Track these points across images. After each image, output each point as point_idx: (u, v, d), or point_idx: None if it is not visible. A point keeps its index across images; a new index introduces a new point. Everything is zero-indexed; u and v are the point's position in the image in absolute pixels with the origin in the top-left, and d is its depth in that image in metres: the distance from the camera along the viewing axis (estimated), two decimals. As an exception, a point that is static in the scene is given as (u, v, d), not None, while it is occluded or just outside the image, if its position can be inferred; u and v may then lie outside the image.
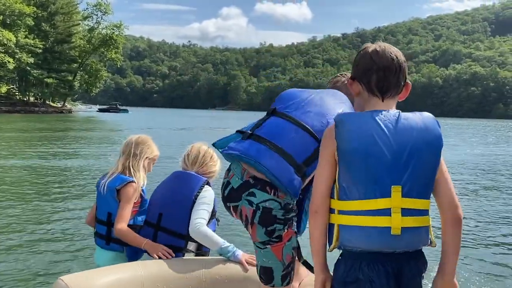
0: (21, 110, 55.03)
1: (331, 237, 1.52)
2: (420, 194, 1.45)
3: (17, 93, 63.87)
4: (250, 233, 1.88)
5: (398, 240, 1.42)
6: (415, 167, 1.43)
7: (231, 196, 1.88)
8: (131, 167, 2.71)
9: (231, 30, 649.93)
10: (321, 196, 1.51)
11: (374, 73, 1.56)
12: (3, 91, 58.18)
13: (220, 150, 1.91)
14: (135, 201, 2.69)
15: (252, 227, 1.85)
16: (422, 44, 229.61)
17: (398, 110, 1.52)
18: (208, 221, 2.54)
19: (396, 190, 1.42)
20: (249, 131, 1.87)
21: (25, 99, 64.07)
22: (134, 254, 2.66)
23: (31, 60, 55.60)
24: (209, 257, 2.51)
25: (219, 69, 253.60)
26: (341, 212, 1.47)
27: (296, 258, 1.96)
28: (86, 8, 70.32)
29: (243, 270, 2.41)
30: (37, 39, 57.67)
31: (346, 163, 1.45)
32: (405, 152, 1.43)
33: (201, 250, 2.57)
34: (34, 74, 58.72)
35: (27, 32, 57.38)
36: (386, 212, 1.41)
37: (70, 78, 67.56)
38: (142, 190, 2.75)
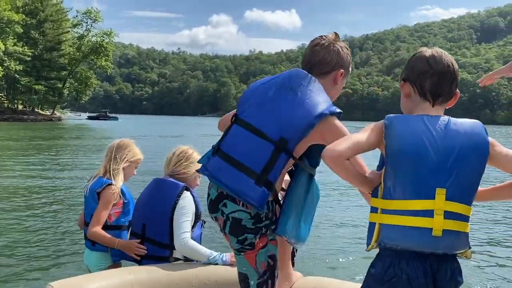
0: (9, 118, 54.45)
1: (371, 236, 1.54)
2: (463, 199, 1.48)
3: (5, 101, 63.23)
4: (227, 241, 1.92)
5: (438, 242, 1.45)
6: (460, 172, 1.46)
7: (210, 207, 1.89)
8: (111, 170, 2.78)
9: (221, 37, 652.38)
10: (344, 147, 1.49)
11: (429, 78, 1.58)
12: (-9, 99, 57.71)
13: (200, 166, 1.91)
14: (116, 202, 2.77)
15: (225, 236, 1.88)
16: (409, 51, 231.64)
17: (448, 116, 1.54)
18: (193, 226, 2.56)
19: (440, 193, 1.44)
20: (216, 146, 1.87)
21: (14, 107, 63.45)
22: (118, 253, 2.72)
23: (20, 67, 55.16)
24: (198, 262, 2.51)
25: (209, 76, 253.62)
26: (384, 211, 1.50)
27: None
28: (76, 16, 70.26)
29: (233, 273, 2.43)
30: (26, 47, 57.29)
31: (393, 163, 1.48)
32: (451, 157, 1.46)
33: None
34: (22, 82, 58.25)
35: (15, 40, 56.97)
36: (429, 213, 1.44)
37: (60, 85, 67.17)
38: (123, 192, 2.82)
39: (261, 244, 1.84)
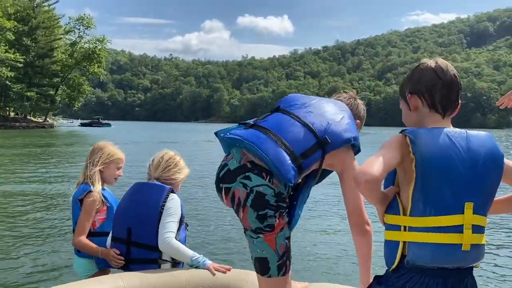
0: (1, 126, 54.02)
1: (394, 255, 1.50)
2: (485, 210, 1.50)
3: (-4, 109, 62.82)
4: (240, 218, 1.89)
5: (466, 256, 1.45)
6: (484, 185, 1.48)
7: (225, 177, 1.90)
8: (89, 176, 2.78)
9: (213, 43, 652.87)
10: (378, 170, 1.42)
11: (439, 90, 1.57)
12: (-18, 107, 57.28)
13: (221, 135, 1.98)
14: (99, 209, 2.76)
15: (244, 209, 1.85)
16: (401, 56, 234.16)
17: (465, 129, 1.54)
18: (178, 229, 2.55)
19: (468, 207, 1.44)
20: (251, 122, 1.97)
21: (5, 114, 63.06)
22: (102, 260, 2.71)
23: (12, 74, 54.89)
24: (191, 267, 2.49)
25: (201, 82, 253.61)
26: (411, 229, 1.46)
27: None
28: (68, 23, 70.03)
29: (225, 278, 2.41)
30: (17, 54, 57.01)
31: (424, 179, 1.45)
32: (477, 170, 1.46)
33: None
34: (14, 89, 57.94)
35: (7, 47, 56.71)
36: (459, 228, 1.43)
37: (52, 92, 66.85)
38: (105, 197, 2.80)
39: (279, 227, 1.86)
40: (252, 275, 2.35)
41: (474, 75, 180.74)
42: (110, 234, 2.70)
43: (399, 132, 1.53)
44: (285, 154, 1.82)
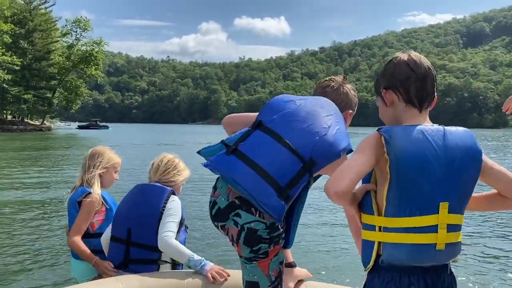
0: (-2, 129, 54.02)
1: (369, 254, 1.50)
2: (461, 209, 1.48)
3: (-6, 112, 62.71)
4: (236, 250, 1.89)
5: (441, 255, 1.45)
6: (461, 183, 1.45)
7: (218, 216, 1.88)
8: (88, 180, 2.80)
9: (210, 45, 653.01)
10: (347, 180, 1.42)
11: (414, 83, 1.54)
12: (-20, 110, 57.12)
13: (203, 163, 1.86)
14: (98, 210, 2.76)
15: (238, 245, 1.85)
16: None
17: (442, 126, 1.51)
18: (178, 231, 2.55)
19: (443, 207, 1.43)
20: (233, 146, 1.80)
21: (2, 117, 62.93)
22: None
23: (9, 77, 54.81)
24: (191, 270, 2.45)
25: (199, 83, 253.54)
26: (385, 230, 1.45)
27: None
28: (65, 25, 69.94)
29: (223, 281, 2.37)
30: (14, 56, 56.93)
31: (399, 180, 1.43)
32: (453, 169, 1.44)
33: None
34: (12, 92, 57.84)
35: (4, 50, 56.62)
36: (434, 228, 1.42)
37: (49, 95, 66.72)
38: (105, 199, 2.81)
39: (274, 253, 1.83)
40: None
41: (470, 75, 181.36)
42: (104, 234, 2.68)
43: (376, 130, 1.50)
44: (269, 188, 1.68)
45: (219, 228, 1.90)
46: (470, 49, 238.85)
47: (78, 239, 2.67)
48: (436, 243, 1.42)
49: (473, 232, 6.78)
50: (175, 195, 2.63)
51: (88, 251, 2.66)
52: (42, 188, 10.80)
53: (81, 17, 69.00)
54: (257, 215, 1.77)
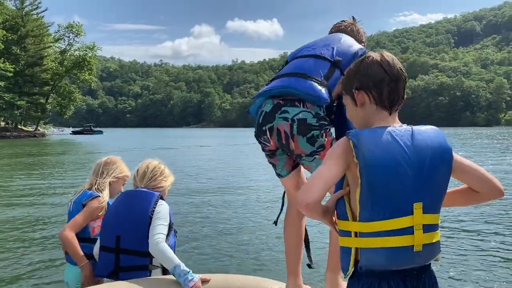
0: (-9, 136, 53.75)
1: (347, 261, 1.48)
2: (436, 208, 1.47)
3: (-13, 119, 62.36)
4: (293, 149, 2.12)
5: (419, 256, 1.43)
6: (433, 182, 1.44)
7: (265, 119, 2.17)
8: (97, 185, 2.81)
9: (203, 48, 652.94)
10: (317, 191, 1.42)
11: (387, 85, 1.51)
12: (-27, 117, 56.76)
13: (255, 99, 2.30)
14: (100, 215, 2.75)
15: (294, 139, 2.09)
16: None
17: (410, 126, 1.51)
18: (167, 235, 2.53)
19: (417, 207, 1.41)
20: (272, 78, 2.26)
21: (-4, 124, 62.63)
22: (93, 268, 2.65)
23: (2, 83, 54.63)
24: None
25: (192, 87, 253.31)
26: (361, 235, 1.43)
27: None
28: (58, 30, 69.90)
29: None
30: (7, 63, 56.75)
31: (370, 183, 1.40)
32: (424, 169, 1.43)
33: None
34: (6, 98, 57.61)
35: (-4, 56, 56.44)
36: (409, 230, 1.41)
37: (43, 101, 66.54)
38: (108, 205, 2.79)
39: (329, 143, 2.08)
40: (243, 280, 2.40)
41: (462, 74, 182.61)
42: (95, 247, 2.66)
43: (345, 135, 1.48)
44: (310, 81, 2.08)
45: (267, 133, 2.17)
46: (462, 48, 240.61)
47: (72, 235, 2.63)
48: (413, 245, 1.41)
49: (455, 228, 6.88)
50: (163, 199, 2.64)
51: (78, 247, 2.63)
52: (38, 194, 10.77)
53: (73, 22, 68.99)
54: (301, 106, 2.08)
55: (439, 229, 1.51)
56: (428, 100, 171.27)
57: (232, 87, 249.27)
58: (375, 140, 1.42)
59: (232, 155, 25.54)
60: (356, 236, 1.44)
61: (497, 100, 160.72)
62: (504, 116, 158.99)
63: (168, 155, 23.44)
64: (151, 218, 2.50)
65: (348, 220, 1.47)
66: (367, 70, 1.53)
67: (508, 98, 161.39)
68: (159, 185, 2.72)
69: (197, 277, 2.35)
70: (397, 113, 1.56)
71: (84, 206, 2.73)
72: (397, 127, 1.47)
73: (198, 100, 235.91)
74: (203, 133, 77.02)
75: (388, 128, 1.46)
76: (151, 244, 2.42)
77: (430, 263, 1.52)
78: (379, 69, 1.52)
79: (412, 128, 1.47)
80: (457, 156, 1.54)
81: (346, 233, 1.48)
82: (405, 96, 1.57)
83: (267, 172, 12.56)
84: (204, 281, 2.38)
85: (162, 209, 2.55)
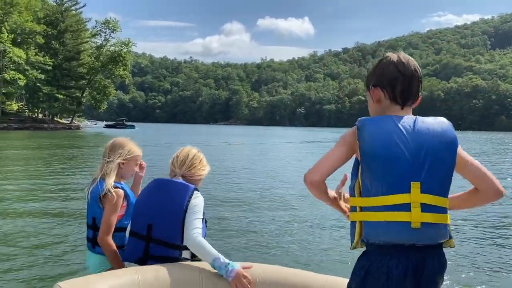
0: (30, 127, 55.54)
1: (353, 234, 1.62)
2: (439, 191, 1.56)
3: (26, 110, 64.54)
4: None
5: (418, 234, 1.51)
6: (432, 165, 1.54)
7: None
8: (106, 170, 2.72)
9: (233, 45, 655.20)
10: (322, 170, 1.63)
11: (400, 83, 1.66)
12: (14, 108, 58.91)
13: None
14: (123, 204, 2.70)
15: None
16: (422, 58, 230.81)
17: (415, 116, 1.65)
18: None
19: (415, 186, 1.52)
20: None
21: (34, 116, 64.72)
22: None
23: (42, 76, 56.43)
24: (206, 264, 2.42)
25: (220, 84, 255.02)
26: (364, 209, 1.57)
27: None
28: (95, 26, 71.50)
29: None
30: (46, 57, 58.58)
31: (367, 162, 1.56)
32: (422, 151, 1.54)
33: (196, 257, 2.51)
34: (45, 91, 59.46)
35: (37, 50, 58.30)
36: (407, 207, 1.51)
37: (79, 94, 68.31)
38: (126, 193, 2.74)
39: None
40: (262, 268, 2.40)
41: (498, 77, 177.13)
42: (128, 231, 2.64)
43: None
44: None
45: None
46: (498, 50, 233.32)
47: (109, 239, 2.60)
48: (410, 221, 1.50)
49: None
50: (198, 191, 2.57)
51: (116, 252, 2.61)
52: (71, 183, 11.06)
53: (110, 18, 70.39)
54: None
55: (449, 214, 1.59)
56: (462, 103, 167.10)
57: (260, 85, 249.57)
58: (375, 124, 1.60)
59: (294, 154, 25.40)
60: (361, 210, 1.59)
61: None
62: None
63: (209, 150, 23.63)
64: (185, 211, 2.46)
65: (355, 196, 1.62)
66: (383, 70, 1.70)
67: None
68: (197, 174, 2.67)
69: (237, 265, 2.34)
70: (410, 108, 1.69)
71: (100, 197, 2.67)
72: (403, 116, 1.61)
73: (226, 97, 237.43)
74: (231, 131, 77.24)
75: (394, 116, 1.61)
76: (188, 239, 2.40)
77: (441, 249, 1.60)
78: (394, 69, 1.67)
79: (416, 117, 1.62)
80: (467, 155, 1.65)
81: (353, 208, 1.62)
82: (420, 94, 1.71)
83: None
84: (246, 268, 2.36)
85: (198, 202, 2.50)
